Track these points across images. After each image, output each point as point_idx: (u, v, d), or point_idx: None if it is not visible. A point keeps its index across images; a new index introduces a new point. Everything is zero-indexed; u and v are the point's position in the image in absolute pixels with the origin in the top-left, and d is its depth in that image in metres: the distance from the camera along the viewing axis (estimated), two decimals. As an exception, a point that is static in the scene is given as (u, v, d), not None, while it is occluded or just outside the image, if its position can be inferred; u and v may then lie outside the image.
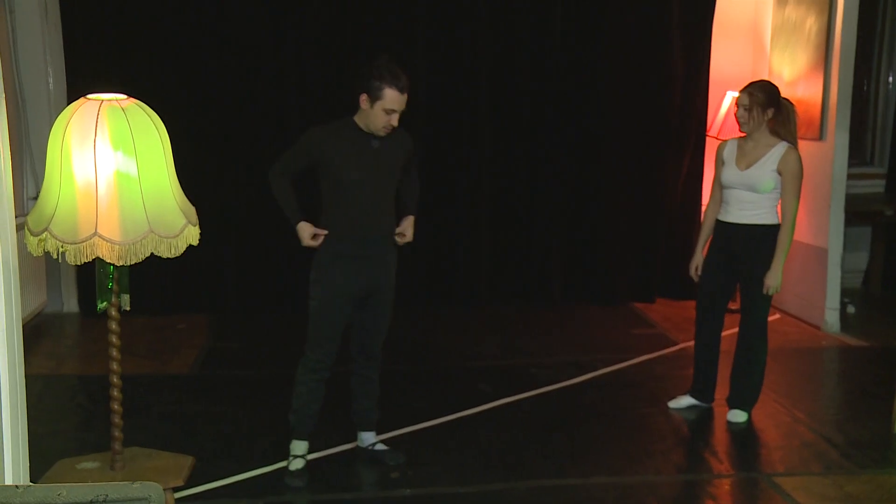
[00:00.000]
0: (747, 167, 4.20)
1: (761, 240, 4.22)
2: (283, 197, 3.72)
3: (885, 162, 7.00)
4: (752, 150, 4.22)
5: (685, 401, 4.56)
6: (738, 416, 4.39)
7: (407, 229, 3.80)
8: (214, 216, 5.88)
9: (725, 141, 4.40)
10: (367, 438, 3.98)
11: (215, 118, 6.15)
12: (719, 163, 4.35)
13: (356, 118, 3.63)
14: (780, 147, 4.18)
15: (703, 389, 4.54)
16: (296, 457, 3.79)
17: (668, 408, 4.56)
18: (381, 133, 3.58)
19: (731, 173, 4.25)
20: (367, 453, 3.96)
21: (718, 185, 4.36)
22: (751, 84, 4.23)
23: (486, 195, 6.43)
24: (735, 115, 4.25)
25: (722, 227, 4.33)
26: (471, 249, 6.47)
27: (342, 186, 3.61)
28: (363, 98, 3.55)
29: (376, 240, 3.70)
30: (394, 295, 3.84)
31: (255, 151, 6.23)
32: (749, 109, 4.16)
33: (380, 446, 3.96)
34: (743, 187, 4.21)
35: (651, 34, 6.40)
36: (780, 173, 4.16)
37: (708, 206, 4.49)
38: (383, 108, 3.51)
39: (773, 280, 4.20)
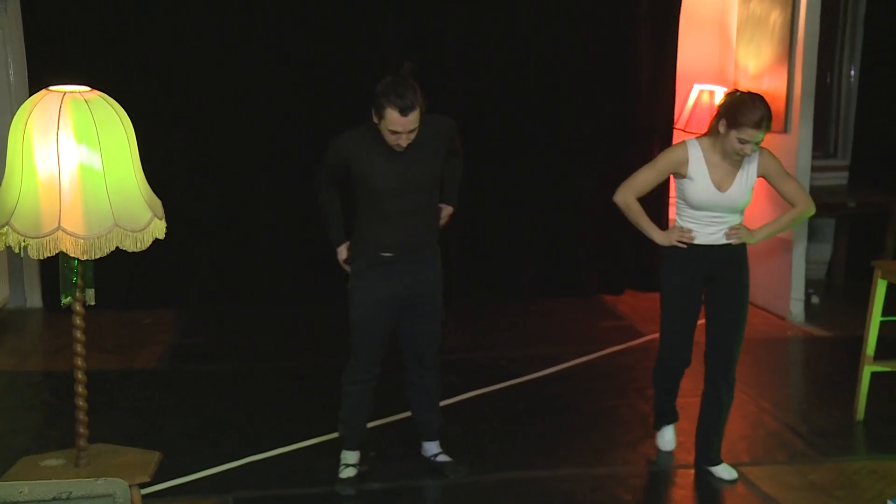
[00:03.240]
0: (727, 188, 3.60)
1: (741, 255, 3.75)
2: (329, 212, 3.68)
3: (847, 154, 7.10)
4: (722, 162, 3.59)
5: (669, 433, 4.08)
6: (731, 472, 3.84)
7: (445, 215, 3.81)
8: (182, 210, 5.78)
9: (683, 146, 3.64)
10: (430, 449, 3.90)
11: (183, 111, 6.09)
12: (668, 171, 3.67)
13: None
14: (753, 156, 3.61)
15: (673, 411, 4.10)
16: (347, 465, 3.74)
17: (638, 403, 4.56)
18: (396, 149, 3.45)
19: (708, 195, 3.59)
20: (429, 463, 3.88)
21: (652, 186, 3.71)
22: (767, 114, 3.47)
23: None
24: (743, 150, 3.50)
25: (697, 251, 3.67)
26: (441, 243, 6.45)
27: (374, 195, 3.49)
28: (374, 113, 3.42)
29: (415, 245, 3.59)
30: (441, 298, 3.69)
31: (223, 145, 6.18)
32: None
33: (442, 458, 3.87)
34: (723, 210, 3.63)
35: (618, 28, 6.42)
36: (764, 177, 3.69)
37: (629, 194, 3.72)
38: (387, 129, 3.38)
39: (755, 236, 3.76)
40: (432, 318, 3.69)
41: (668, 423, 4.06)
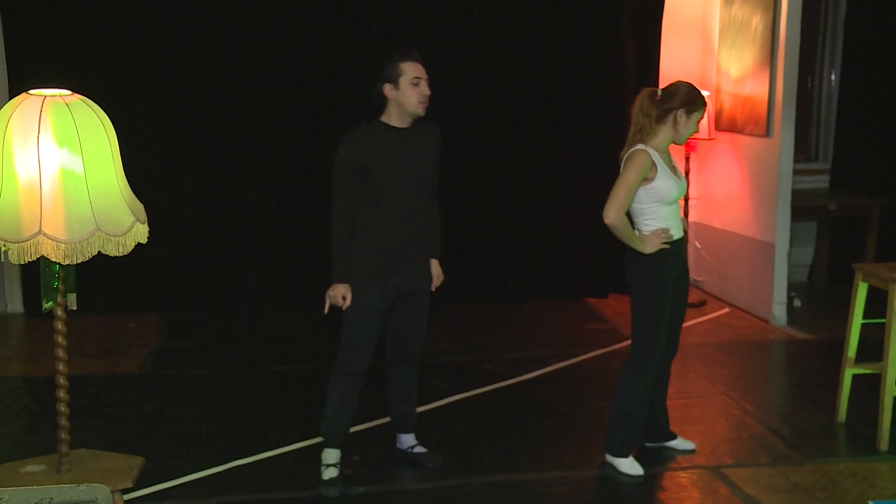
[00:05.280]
0: (680, 177, 3.83)
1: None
2: (339, 246, 3.57)
3: (828, 158, 7.16)
4: (666, 156, 3.81)
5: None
6: (688, 443, 4.12)
7: (438, 276, 3.83)
8: (165, 214, 5.81)
9: (644, 150, 3.72)
10: (407, 440, 3.95)
11: (166, 114, 6.06)
12: (643, 176, 3.69)
13: (383, 118, 3.61)
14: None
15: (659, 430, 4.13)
16: (328, 465, 3.73)
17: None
18: (420, 109, 3.58)
19: (676, 186, 3.77)
20: (406, 455, 3.92)
21: (632, 199, 3.74)
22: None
23: (442, 193, 6.41)
24: (698, 129, 3.82)
25: (674, 247, 3.80)
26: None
27: (381, 190, 3.54)
28: (387, 88, 3.56)
29: (414, 244, 3.67)
30: (429, 298, 3.79)
31: (207, 148, 6.16)
32: None
33: (419, 449, 3.92)
34: (680, 198, 3.84)
35: (602, 34, 6.45)
36: None
37: (621, 213, 3.71)
38: (409, 82, 3.53)
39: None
40: (422, 320, 3.81)
41: (635, 446, 3.91)
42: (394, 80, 3.54)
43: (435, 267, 3.84)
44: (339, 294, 3.59)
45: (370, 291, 3.62)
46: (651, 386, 3.88)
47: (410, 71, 3.53)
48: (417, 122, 3.65)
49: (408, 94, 3.55)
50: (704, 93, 6.30)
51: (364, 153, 3.53)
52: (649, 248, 3.74)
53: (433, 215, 3.80)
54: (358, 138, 3.58)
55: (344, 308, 3.62)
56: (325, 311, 3.64)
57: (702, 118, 3.81)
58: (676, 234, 3.80)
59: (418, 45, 6.09)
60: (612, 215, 3.68)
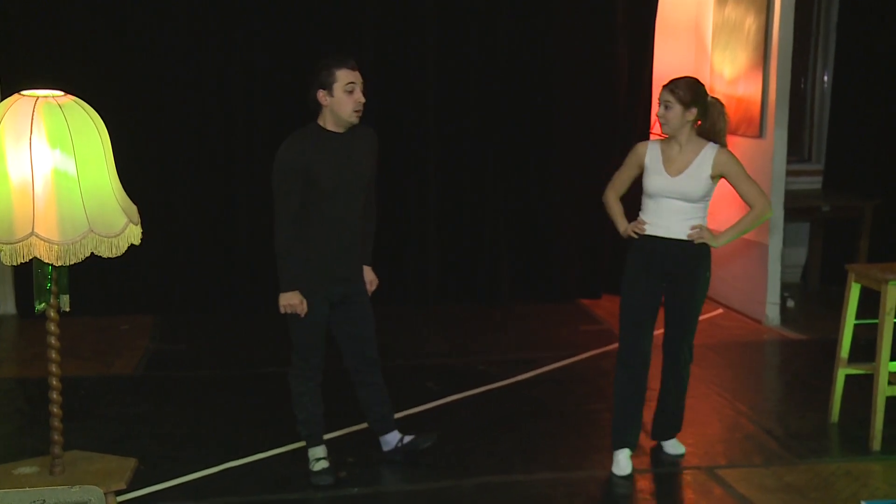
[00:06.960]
0: (678, 173, 3.75)
1: (697, 255, 3.80)
2: (287, 252, 3.57)
3: (821, 159, 7.18)
4: (678, 154, 3.77)
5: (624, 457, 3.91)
6: (678, 446, 4.09)
7: (372, 281, 3.86)
8: (159, 215, 5.79)
9: (644, 142, 3.92)
10: (392, 439, 3.95)
11: (159, 116, 6.05)
12: (633, 165, 3.89)
13: (319, 121, 3.58)
14: (710, 150, 3.75)
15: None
16: (318, 459, 3.76)
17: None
18: (354, 118, 3.54)
19: (659, 180, 3.77)
20: (398, 451, 3.93)
21: (626, 181, 3.97)
22: (674, 80, 3.77)
23: (434, 194, 6.43)
24: (656, 113, 3.84)
25: (651, 243, 3.81)
26: (419, 248, 6.47)
27: (321, 193, 3.53)
28: (321, 94, 3.51)
29: (349, 248, 3.68)
30: (369, 300, 3.84)
31: (200, 150, 6.15)
32: (670, 108, 3.71)
33: (407, 438, 3.94)
34: (675, 195, 3.75)
35: (595, 35, 6.46)
36: (722, 176, 3.76)
37: (609, 192, 4.01)
38: (343, 89, 3.48)
39: (719, 240, 3.83)
40: (368, 316, 3.82)
41: (622, 447, 3.87)
42: (328, 87, 3.49)
43: (368, 273, 3.85)
44: (297, 302, 3.59)
45: (317, 297, 3.63)
46: (630, 380, 3.85)
47: (345, 77, 3.47)
48: (353, 126, 3.60)
49: (342, 101, 3.50)
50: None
51: (307, 156, 3.51)
52: (620, 229, 3.98)
53: (369, 220, 3.80)
54: (300, 141, 3.54)
55: (303, 314, 3.61)
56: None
57: (660, 102, 3.80)
58: (654, 230, 3.81)
59: (413, 47, 6.21)
60: (605, 194, 4.06)
